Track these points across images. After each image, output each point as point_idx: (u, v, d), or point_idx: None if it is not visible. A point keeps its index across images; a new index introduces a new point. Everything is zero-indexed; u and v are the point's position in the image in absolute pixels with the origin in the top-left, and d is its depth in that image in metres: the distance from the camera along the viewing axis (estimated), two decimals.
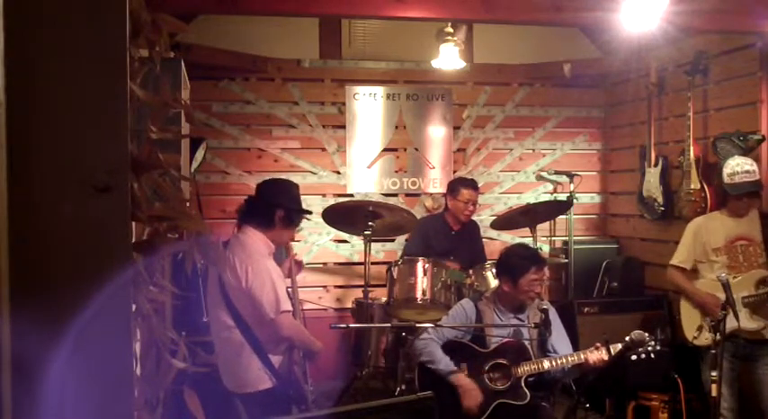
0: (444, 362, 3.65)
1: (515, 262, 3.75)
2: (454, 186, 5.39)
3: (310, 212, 3.71)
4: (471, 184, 5.38)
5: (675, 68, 5.28)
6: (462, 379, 3.61)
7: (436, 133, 6.10)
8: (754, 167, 4.06)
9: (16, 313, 1.16)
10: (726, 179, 4.09)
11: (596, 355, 3.51)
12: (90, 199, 1.22)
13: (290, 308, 3.27)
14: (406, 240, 5.77)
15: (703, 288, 4.13)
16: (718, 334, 3.44)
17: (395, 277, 4.77)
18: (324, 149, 5.91)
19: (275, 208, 3.33)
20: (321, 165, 5.90)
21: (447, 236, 5.35)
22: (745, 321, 3.93)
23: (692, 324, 4.18)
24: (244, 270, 3.20)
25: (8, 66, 1.16)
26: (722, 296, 3.92)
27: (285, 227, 3.38)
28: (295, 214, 3.43)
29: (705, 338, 3.93)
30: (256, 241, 3.31)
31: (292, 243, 5.52)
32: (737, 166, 4.06)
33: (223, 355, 3.25)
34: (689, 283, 4.26)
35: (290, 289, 3.55)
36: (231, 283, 3.22)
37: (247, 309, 3.21)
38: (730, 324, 3.88)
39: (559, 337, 3.75)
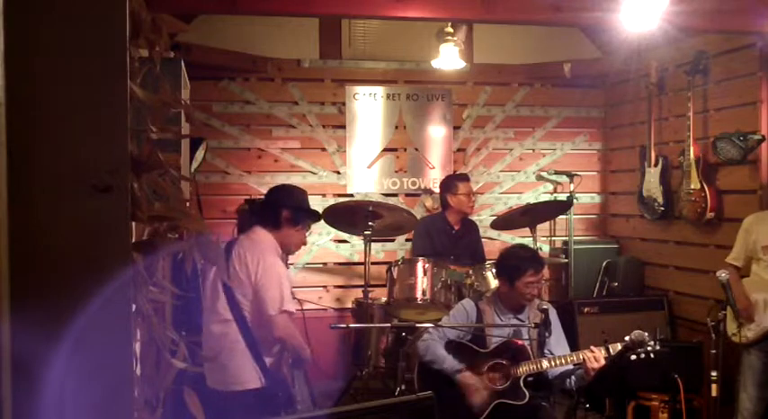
0: (449, 362, 3.65)
1: (513, 264, 3.75)
2: (450, 184, 5.41)
3: (318, 215, 3.84)
4: (464, 177, 5.47)
5: (675, 68, 5.28)
6: (468, 378, 3.61)
7: (436, 133, 6.10)
8: None
9: (16, 313, 1.16)
10: None
11: (595, 356, 3.50)
12: (90, 199, 1.22)
13: (292, 310, 3.31)
14: (407, 240, 5.78)
15: (748, 285, 4.07)
16: (715, 334, 3.44)
17: (395, 277, 4.77)
18: (324, 149, 5.91)
19: (281, 208, 3.46)
20: (321, 165, 5.90)
21: (449, 236, 5.35)
22: None
23: (733, 320, 4.18)
24: (255, 263, 3.29)
25: (8, 66, 1.16)
26: (757, 296, 3.92)
27: (292, 228, 3.48)
28: (300, 215, 3.53)
29: (742, 336, 3.91)
30: (267, 240, 3.43)
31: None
32: None
33: (214, 351, 3.25)
34: (735, 281, 4.15)
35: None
36: (240, 278, 3.28)
37: (250, 305, 3.26)
38: (765, 324, 3.87)
39: (558, 341, 3.74)
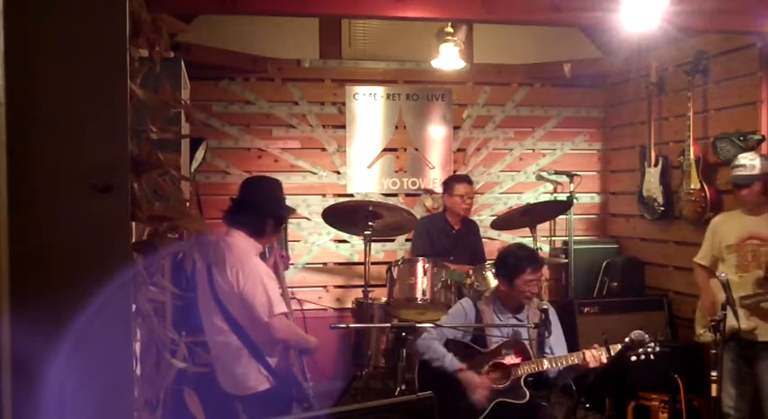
0: (448, 359, 3.66)
1: (511, 263, 3.75)
2: (448, 183, 5.43)
3: (293, 209, 3.74)
4: (464, 179, 5.45)
5: (675, 68, 5.28)
6: (469, 376, 3.62)
7: (436, 133, 6.10)
8: (752, 162, 4.00)
9: (16, 313, 1.16)
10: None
11: (596, 355, 3.51)
12: (90, 199, 1.22)
13: (284, 310, 3.25)
14: (408, 240, 5.78)
15: (714, 285, 4.08)
16: (717, 333, 3.44)
17: (395, 277, 4.77)
18: (324, 149, 5.91)
19: (266, 217, 3.33)
20: (321, 165, 5.90)
21: (448, 236, 5.36)
22: (743, 321, 3.92)
23: (701, 320, 4.21)
24: (234, 274, 3.18)
25: (8, 66, 1.16)
26: (723, 296, 3.92)
27: (275, 234, 3.43)
28: (284, 218, 3.51)
29: (709, 337, 3.92)
30: (243, 243, 3.29)
31: (291, 242, 5.58)
32: (736, 160, 4.09)
33: (220, 358, 3.25)
34: (703, 280, 4.26)
35: (279, 289, 3.54)
36: (223, 288, 3.21)
37: (241, 313, 3.20)
38: (730, 324, 3.88)
39: (558, 340, 3.75)
